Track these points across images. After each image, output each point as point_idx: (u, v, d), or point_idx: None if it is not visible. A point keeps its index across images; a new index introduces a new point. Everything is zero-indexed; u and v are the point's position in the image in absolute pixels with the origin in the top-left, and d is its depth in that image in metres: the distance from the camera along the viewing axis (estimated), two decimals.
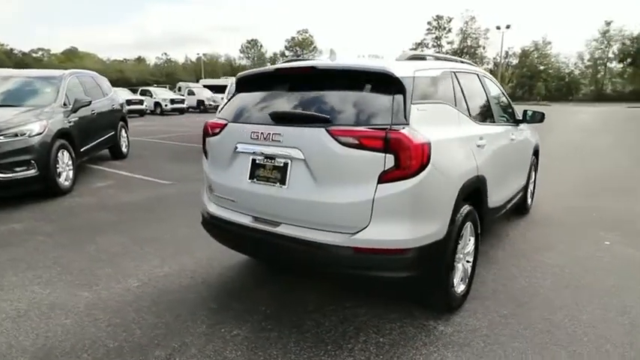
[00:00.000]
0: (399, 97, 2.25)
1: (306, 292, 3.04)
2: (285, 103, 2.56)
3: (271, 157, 2.46)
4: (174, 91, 31.28)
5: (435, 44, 70.57)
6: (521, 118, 4.25)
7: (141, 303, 2.91)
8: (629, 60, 54.25)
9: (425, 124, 2.29)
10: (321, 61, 2.70)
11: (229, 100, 3.02)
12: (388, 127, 2.15)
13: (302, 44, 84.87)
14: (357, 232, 2.21)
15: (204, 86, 32.50)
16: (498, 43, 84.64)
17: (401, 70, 2.32)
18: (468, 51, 65.17)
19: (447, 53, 68.13)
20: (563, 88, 57.63)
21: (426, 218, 2.26)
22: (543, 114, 4.28)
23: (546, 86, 58.13)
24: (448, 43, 69.19)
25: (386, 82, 2.28)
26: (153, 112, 25.81)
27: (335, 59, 2.95)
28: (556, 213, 5.13)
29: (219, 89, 32.06)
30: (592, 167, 8.37)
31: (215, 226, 2.84)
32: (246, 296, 3.00)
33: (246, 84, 2.89)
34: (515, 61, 62.94)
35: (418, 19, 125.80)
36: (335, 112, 2.32)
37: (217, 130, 2.77)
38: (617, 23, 57.94)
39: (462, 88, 2.99)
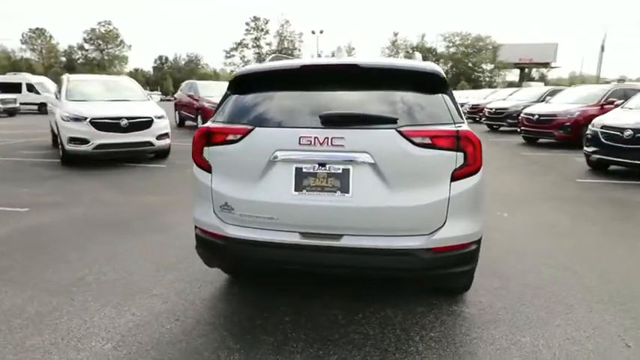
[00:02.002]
0: (448, 97, 2.33)
1: (318, 307, 2.84)
2: (326, 103, 2.33)
3: (323, 164, 2.21)
4: None
5: (255, 45, 72.25)
6: None
7: None
8: None
9: None
10: (361, 58, 2.54)
11: (224, 100, 2.57)
12: (453, 125, 2.21)
13: (105, 37, 75.40)
14: (434, 232, 2.22)
15: None
16: (312, 46, 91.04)
17: (440, 70, 2.39)
18: (285, 52, 68.82)
19: (266, 54, 70.62)
20: None
21: (481, 211, 2.41)
22: None
23: None
24: (267, 44, 71.67)
25: (433, 82, 2.33)
26: None
27: (342, 56, 2.84)
28: None
29: (7, 88, 25.73)
30: None
31: (236, 251, 2.38)
32: (264, 325, 2.63)
33: (253, 82, 2.51)
34: None
35: (237, 18, 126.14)
36: (392, 113, 2.24)
37: (234, 137, 2.33)
38: (402, 34, 70.21)
39: None
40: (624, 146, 6.70)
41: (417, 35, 78.15)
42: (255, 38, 71.75)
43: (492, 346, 2.42)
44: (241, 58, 70.78)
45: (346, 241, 2.23)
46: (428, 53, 64.92)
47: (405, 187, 2.19)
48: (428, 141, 2.16)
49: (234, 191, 2.36)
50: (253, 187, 2.32)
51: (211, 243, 2.47)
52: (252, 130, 2.30)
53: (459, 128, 2.20)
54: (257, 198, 2.31)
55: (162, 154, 8.93)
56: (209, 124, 2.50)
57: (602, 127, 7.21)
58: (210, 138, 2.42)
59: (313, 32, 52.84)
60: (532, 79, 58.07)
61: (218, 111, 2.56)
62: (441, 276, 2.33)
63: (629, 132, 6.67)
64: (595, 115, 10.17)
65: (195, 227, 2.62)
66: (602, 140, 7.10)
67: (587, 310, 2.81)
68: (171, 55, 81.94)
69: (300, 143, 2.22)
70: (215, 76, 69.65)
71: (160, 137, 8.52)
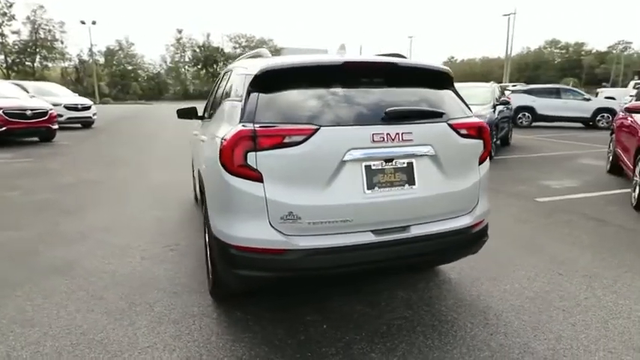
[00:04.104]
0: (457, 93, 2.67)
1: (339, 307, 2.82)
2: (374, 99, 2.35)
3: (390, 159, 2.25)
4: None
5: None
6: None
7: None
8: (200, 65, 65.25)
9: None
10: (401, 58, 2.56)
11: (249, 98, 2.24)
12: (472, 117, 2.57)
13: None
14: (472, 210, 2.56)
15: None
16: (78, 39, 78.49)
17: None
18: (43, 44, 57.15)
19: (14, 44, 56.81)
20: (155, 88, 62.11)
21: None
22: None
23: (140, 86, 60.69)
24: (13, 32, 57.61)
25: (447, 80, 2.64)
26: None
27: (344, 54, 2.84)
28: None
29: None
30: None
31: (306, 263, 2.16)
32: (312, 338, 2.47)
33: (288, 78, 2.32)
34: (101, 60, 61.20)
35: None
36: (428, 107, 2.45)
37: (294, 139, 2.10)
38: (187, 32, 67.81)
39: None
40: None
41: (202, 34, 77.11)
42: None
43: (495, 297, 2.96)
44: None
45: (414, 231, 2.35)
46: (216, 53, 64.95)
47: (456, 173, 2.46)
48: (465, 132, 2.48)
49: (301, 198, 2.13)
50: (323, 191, 2.16)
51: (269, 261, 2.16)
52: (317, 129, 2.13)
53: (478, 120, 2.59)
54: (329, 202, 2.16)
55: None
56: (244, 126, 2.15)
57: None
58: (257, 142, 2.10)
59: (83, 22, 45.49)
60: None
61: (247, 111, 2.22)
62: (473, 249, 2.68)
63: None
64: None
65: (233, 248, 2.21)
66: None
67: (519, 256, 3.68)
68: None
69: (373, 140, 2.20)
70: None
71: None
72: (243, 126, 2.17)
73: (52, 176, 7.22)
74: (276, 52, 64.42)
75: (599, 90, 21.98)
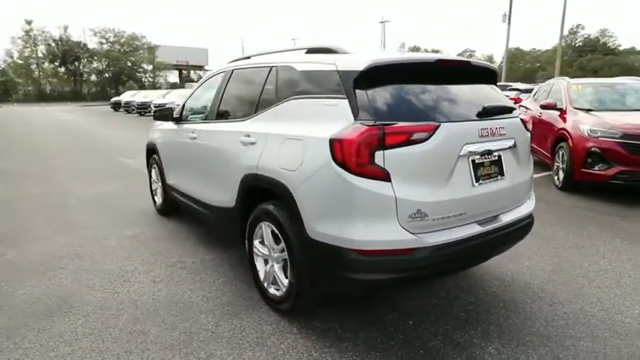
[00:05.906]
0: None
1: (407, 302, 2.87)
2: (464, 95, 2.45)
3: (487, 153, 2.38)
4: None
5: None
6: None
7: None
8: (58, 62, 56.76)
9: None
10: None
11: (357, 94, 2.13)
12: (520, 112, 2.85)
13: None
14: (531, 195, 2.85)
15: None
16: None
17: None
18: None
19: None
20: (0, 88, 52.27)
21: None
22: None
23: None
24: None
25: (495, 77, 2.85)
26: None
27: (404, 52, 2.85)
28: None
29: None
30: None
31: (433, 260, 2.15)
32: (412, 334, 2.47)
33: (391, 75, 2.27)
34: None
35: None
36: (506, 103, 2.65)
37: (419, 137, 2.08)
38: (38, 23, 58.17)
39: None
40: None
41: (59, 27, 67.02)
42: None
43: (525, 273, 3.31)
44: None
45: (503, 219, 2.50)
46: (77, 48, 57.27)
47: (523, 162, 2.70)
48: (528, 126, 2.74)
49: (427, 195, 2.12)
50: (443, 186, 2.19)
51: (395, 262, 2.10)
52: (439, 126, 2.13)
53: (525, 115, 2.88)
54: (450, 197, 2.20)
55: None
56: (363, 124, 2.04)
57: None
58: (384, 139, 2.02)
59: None
60: (192, 80, 61.90)
61: (360, 108, 2.10)
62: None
63: None
64: None
65: (354, 252, 2.08)
66: None
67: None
68: None
69: (480, 135, 2.30)
70: None
71: None
72: (361, 124, 2.06)
73: None
74: (151, 49, 59.26)
75: None
